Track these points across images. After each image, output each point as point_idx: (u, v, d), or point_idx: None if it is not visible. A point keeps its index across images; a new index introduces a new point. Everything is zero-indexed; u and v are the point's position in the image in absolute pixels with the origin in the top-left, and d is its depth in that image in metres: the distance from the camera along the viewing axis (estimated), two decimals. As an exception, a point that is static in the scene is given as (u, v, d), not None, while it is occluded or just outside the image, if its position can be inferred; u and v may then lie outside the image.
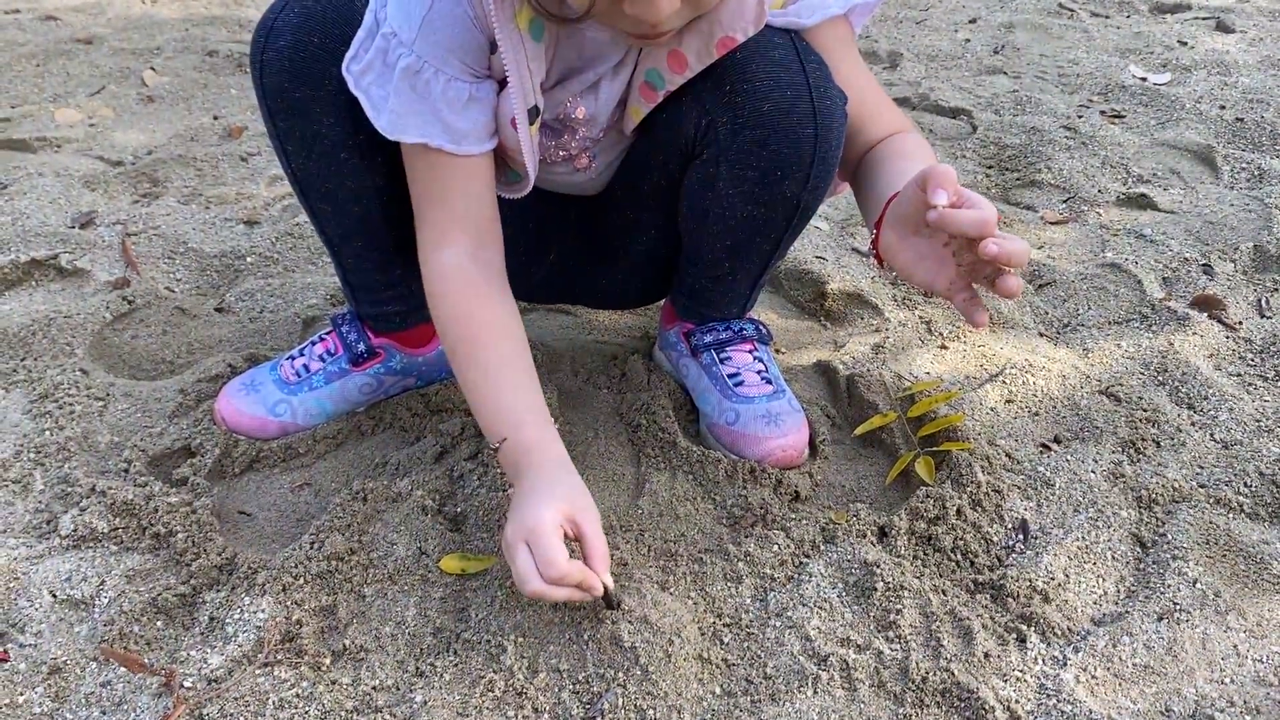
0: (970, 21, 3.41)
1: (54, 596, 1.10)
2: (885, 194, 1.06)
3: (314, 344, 1.40)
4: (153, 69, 2.82)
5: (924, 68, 2.95)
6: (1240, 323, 1.66)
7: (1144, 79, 2.79)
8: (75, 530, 1.18)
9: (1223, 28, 3.27)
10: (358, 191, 1.21)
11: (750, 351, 1.43)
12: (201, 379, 1.46)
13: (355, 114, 1.11)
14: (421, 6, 1.03)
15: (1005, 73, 2.91)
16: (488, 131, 1.11)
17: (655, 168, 1.24)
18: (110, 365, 1.53)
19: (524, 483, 1.06)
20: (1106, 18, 3.44)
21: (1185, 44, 3.09)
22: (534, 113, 1.10)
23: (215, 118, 2.52)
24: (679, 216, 1.28)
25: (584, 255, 1.41)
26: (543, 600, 1.01)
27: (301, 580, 1.11)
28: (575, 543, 1.04)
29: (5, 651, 1.03)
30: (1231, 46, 3.06)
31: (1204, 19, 3.37)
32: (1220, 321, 1.67)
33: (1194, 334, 1.62)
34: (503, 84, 1.09)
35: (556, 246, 1.39)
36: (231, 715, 0.97)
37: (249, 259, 1.85)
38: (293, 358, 1.39)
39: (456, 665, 1.04)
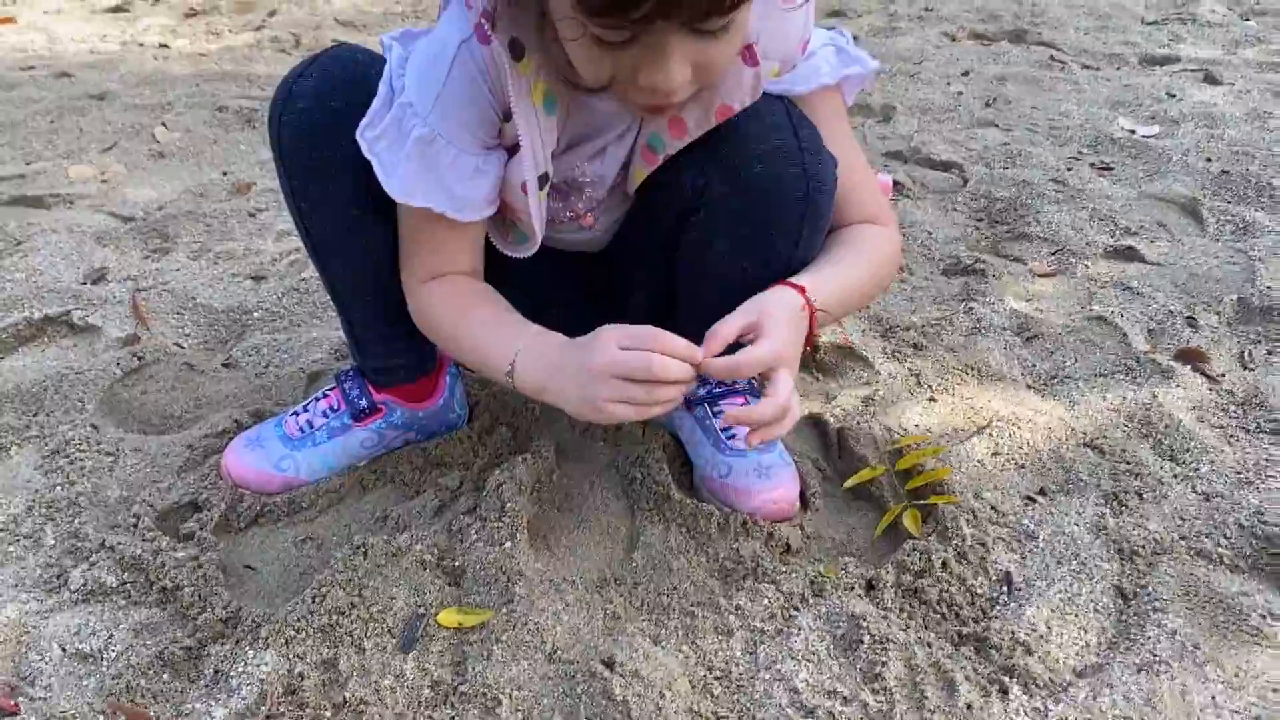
0: (963, 74, 3.48)
1: (63, 650, 1.14)
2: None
3: (317, 400, 1.45)
4: (164, 125, 2.89)
5: (917, 120, 3.02)
6: (1223, 375, 1.70)
7: (1133, 131, 2.85)
8: (85, 585, 1.22)
9: (1210, 79, 3.33)
10: (367, 247, 1.27)
11: (743, 405, 1.47)
12: (209, 434, 1.50)
13: (367, 175, 1.16)
14: (438, 81, 1.09)
15: (997, 125, 2.97)
16: (489, 201, 1.17)
17: (654, 226, 1.29)
18: (120, 421, 1.57)
19: (557, 366, 1.12)
20: (1097, 70, 3.51)
21: (1173, 96, 3.16)
22: (544, 179, 1.16)
23: (224, 173, 2.59)
24: (677, 271, 1.33)
25: (586, 310, 1.45)
26: (646, 376, 1.04)
27: (303, 634, 1.14)
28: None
29: (16, 704, 1.07)
30: (1219, 99, 3.12)
31: (1192, 71, 3.44)
32: (1203, 374, 1.70)
33: (1177, 386, 1.66)
34: (512, 150, 1.15)
35: (559, 302, 1.44)
36: (235, 768, 1.00)
37: (256, 314, 1.90)
38: (297, 413, 1.43)
39: (453, 718, 1.07)
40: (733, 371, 1.08)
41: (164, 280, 1.98)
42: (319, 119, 1.17)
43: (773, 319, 1.11)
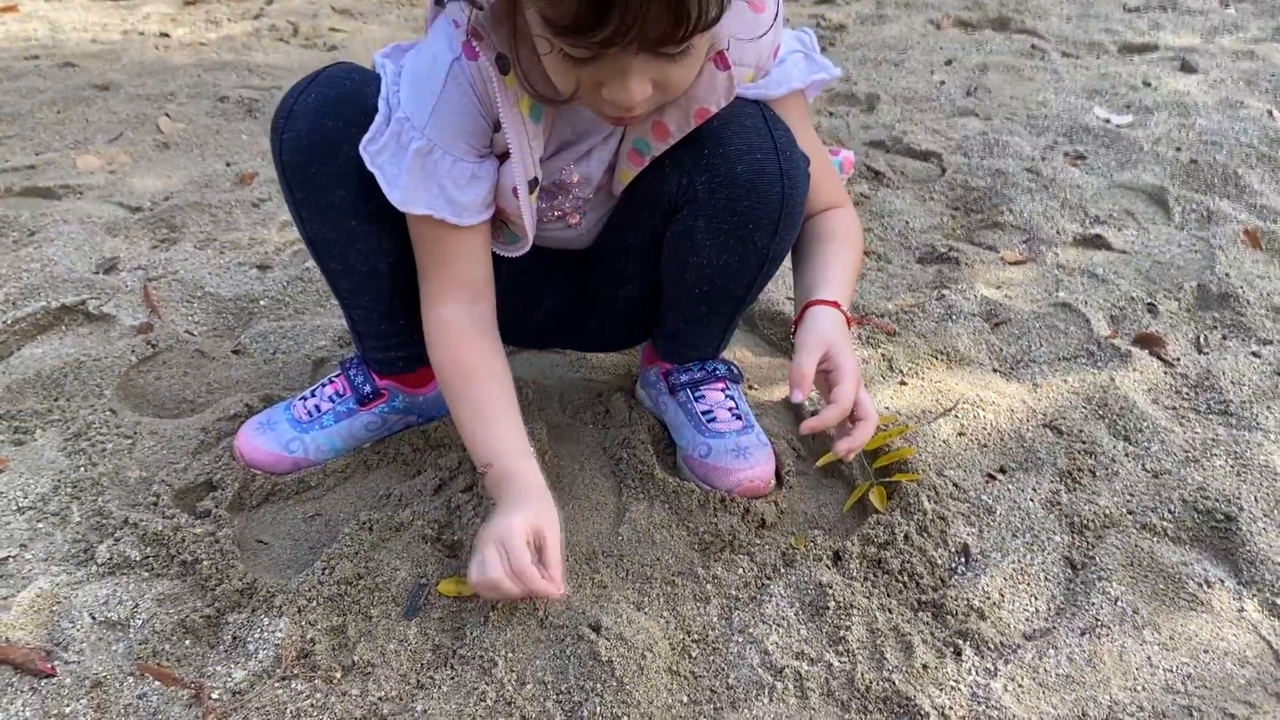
0: (946, 63, 3.56)
1: (93, 619, 1.23)
2: (806, 293, 1.34)
3: (324, 386, 1.54)
4: (167, 115, 2.96)
5: (900, 110, 3.10)
6: (1178, 359, 1.80)
7: (1108, 120, 2.94)
8: (110, 558, 1.32)
9: (1187, 68, 3.41)
10: (366, 254, 1.35)
11: (723, 390, 1.57)
12: (221, 418, 1.59)
13: (365, 187, 1.26)
14: (432, 96, 1.18)
15: (977, 114, 3.05)
16: (486, 204, 1.26)
17: (640, 224, 1.39)
18: (136, 405, 1.67)
19: (502, 499, 1.23)
20: (1077, 58, 3.59)
21: (1149, 85, 3.24)
22: (533, 183, 1.26)
23: (228, 164, 2.67)
24: (661, 266, 1.42)
25: (575, 305, 1.55)
26: (495, 590, 1.14)
27: (314, 603, 1.24)
28: (536, 552, 1.18)
29: (53, 668, 1.16)
30: (1193, 87, 3.21)
31: (1169, 59, 3.52)
32: (1160, 358, 1.80)
33: (1134, 370, 1.76)
34: (503, 157, 1.24)
35: (550, 298, 1.53)
36: (255, 722, 1.11)
37: (262, 302, 1.99)
38: (305, 398, 1.53)
39: (453, 678, 1.17)
40: (840, 418, 1.26)
41: (173, 270, 2.07)
42: (318, 137, 1.26)
43: (837, 346, 1.27)
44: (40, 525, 1.39)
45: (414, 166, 1.20)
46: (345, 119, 1.25)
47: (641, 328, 1.62)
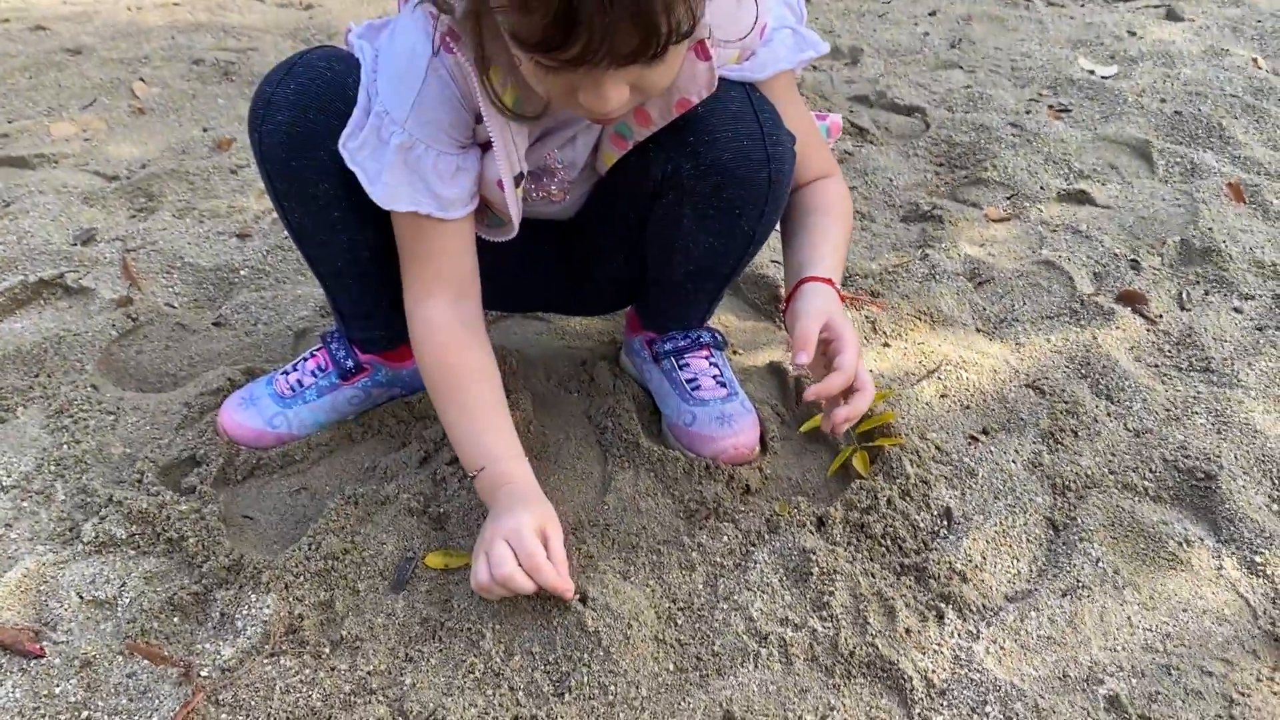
0: (930, 14, 3.52)
1: (81, 597, 1.24)
2: (798, 269, 1.33)
3: (306, 360, 1.53)
4: (141, 80, 2.92)
5: (883, 63, 3.07)
6: (1160, 316, 1.81)
7: (1092, 72, 2.92)
8: (96, 537, 1.32)
9: (1172, 16, 3.39)
10: (350, 243, 1.35)
11: (707, 358, 1.57)
12: (204, 392, 1.59)
13: (348, 178, 1.24)
14: (412, 89, 1.15)
15: (961, 67, 3.03)
16: (471, 195, 1.25)
17: (624, 204, 1.38)
18: (118, 380, 1.66)
19: (501, 501, 1.22)
20: (1061, 6, 3.56)
21: (1134, 34, 3.22)
22: (519, 178, 1.24)
23: (205, 129, 2.64)
24: (647, 245, 1.41)
25: (559, 272, 1.54)
26: (507, 584, 1.15)
27: (302, 578, 1.25)
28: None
29: (41, 648, 1.17)
30: (1178, 36, 3.18)
31: (1155, 7, 3.50)
32: (1142, 315, 1.81)
33: (1117, 328, 1.76)
34: (486, 146, 1.22)
35: (534, 267, 1.52)
36: (244, 700, 1.11)
37: (242, 272, 1.98)
38: (287, 373, 1.52)
39: (441, 651, 1.18)
40: (844, 385, 1.23)
41: (151, 240, 2.05)
42: (298, 128, 1.24)
43: (837, 317, 1.26)
44: (24, 504, 1.39)
45: (396, 162, 1.18)
46: (326, 110, 1.23)
47: (626, 294, 1.61)
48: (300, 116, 1.23)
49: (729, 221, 1.31)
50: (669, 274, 1.42)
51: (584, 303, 1.65)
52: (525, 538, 1.16)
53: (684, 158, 1.27)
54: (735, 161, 1.25)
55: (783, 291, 1.88)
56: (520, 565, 1.15)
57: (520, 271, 1.51)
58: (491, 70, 1.13)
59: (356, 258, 1.36)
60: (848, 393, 1.26)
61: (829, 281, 1.31)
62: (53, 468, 1.44)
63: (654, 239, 1.38)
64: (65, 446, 1.48)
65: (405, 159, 1.18)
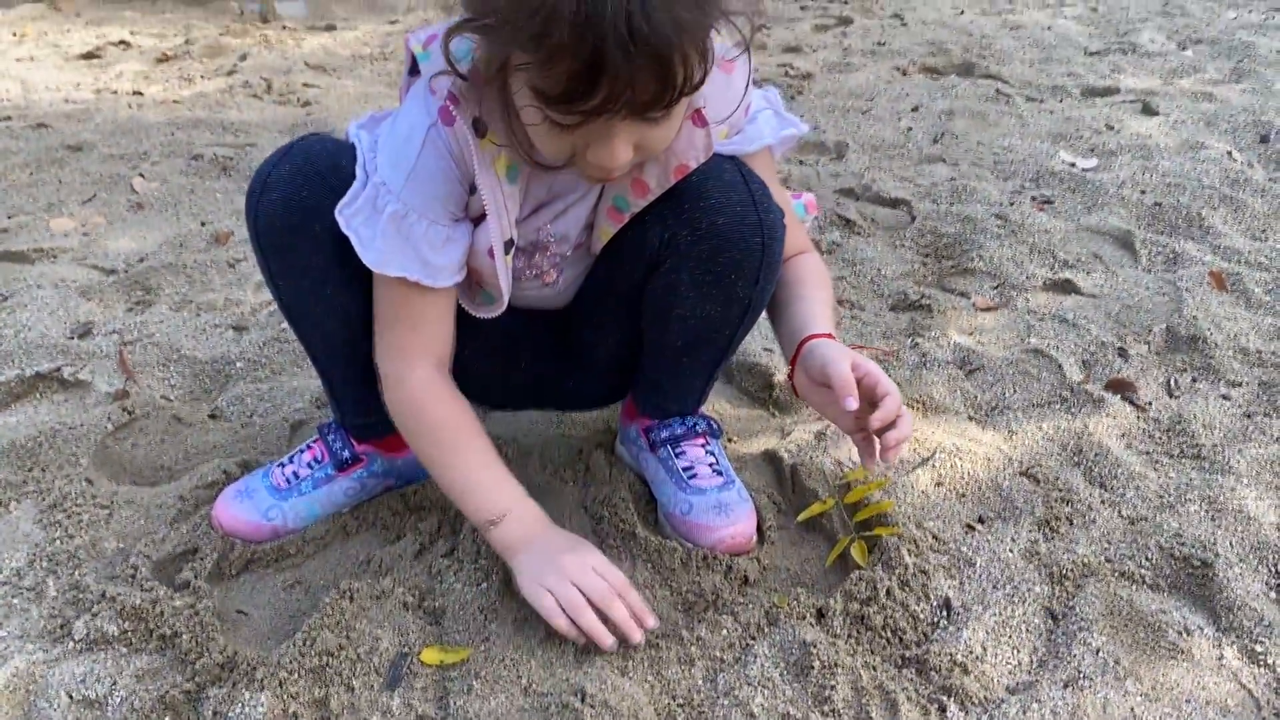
0: (913, 110, 3.62)
1: (70, 697, 1.22)
2: (798, 332, 1.34)
3: (302, 452, 1.54)
4: (141, 175, 2.97)
5: (868, 158, 3.15)
6: (1150, 403, 1.83)
7: (1073, 164, 2.99)
8: (88, 634, 1.30)
9: (1148, 110, 3.49)
10: (343, 322, 1.36)
11: (703, 445, 1.58)
12: (199, 485, 1.58)
13: (341, 256, 1.27)
14: (408, 161, 1.20)
15: (944, 160, 3.10)
16: (459, 267, 1.27)
17: (620, 279, 1.40)
18: (113, 474, 1.66)
19: (538, 543, 1.30)
20: (1041, 102, 3.66)
21: (1112, 128, 3.30)
22: (509, 244, 1.27)
23: (203, 224, 2.67)
24: (644, 319, 1.43)
25: (552, 364, 1.56)
26: (605, 602, 1.26)
27: (296, 675, 1.23)
28: None
29: (29, 750, 1.15)
30: (1155, 130, 3.27)
31: (1130, 102, 3.60)
32: (1132, 403, 1.83)
33: (1107, 415, 1.78)
34: (478, 220, 1.25)
35: (527, 357, 1.54)
36: (237, 802, 1.09)
37: (239, 364, 1.99)
38: (283, 465, 1.52)
39: (438, 749, 1.16)
40: (899, 407, 1.23)
41: (148, 333, 2.07)
42: (293, 206, 1.27)
43: (857, 359, 1.25)
44: (15, 601, 1.37)
45: (389, 230, 1.21)
46: (320, 189, 1.27)
47: (621, 384, 1.62)
48: (295, 193, 1.27)
49: (726, 287, 1.34)
50: (666, 346, 1.44)
51: (578, 395, 1.65)
52: (611, 568, 1.29)
53: (680, 225, 1.30)
54: (730, 226, 1.29)
55: (777, 378, 1.90)
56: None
57: (510, 364, 1.53)
58: (485, 140, 1.17)
59: (351, 337, 1.38)
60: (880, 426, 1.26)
61: (831, 336, 1.33)
62: (45, 563, 1.43)
63: (651, 309, 1.40)
64: (58, 541, 1.47)
65: (398, 227, 1.21)
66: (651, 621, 1.28)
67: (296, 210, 1.27)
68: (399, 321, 1.31)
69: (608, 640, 1.25)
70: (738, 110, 1.31)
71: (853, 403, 1.19)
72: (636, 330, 1.46)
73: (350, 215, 1.23)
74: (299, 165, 1.28)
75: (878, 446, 1.25)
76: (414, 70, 1.23)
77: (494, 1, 0.98)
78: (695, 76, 0.99)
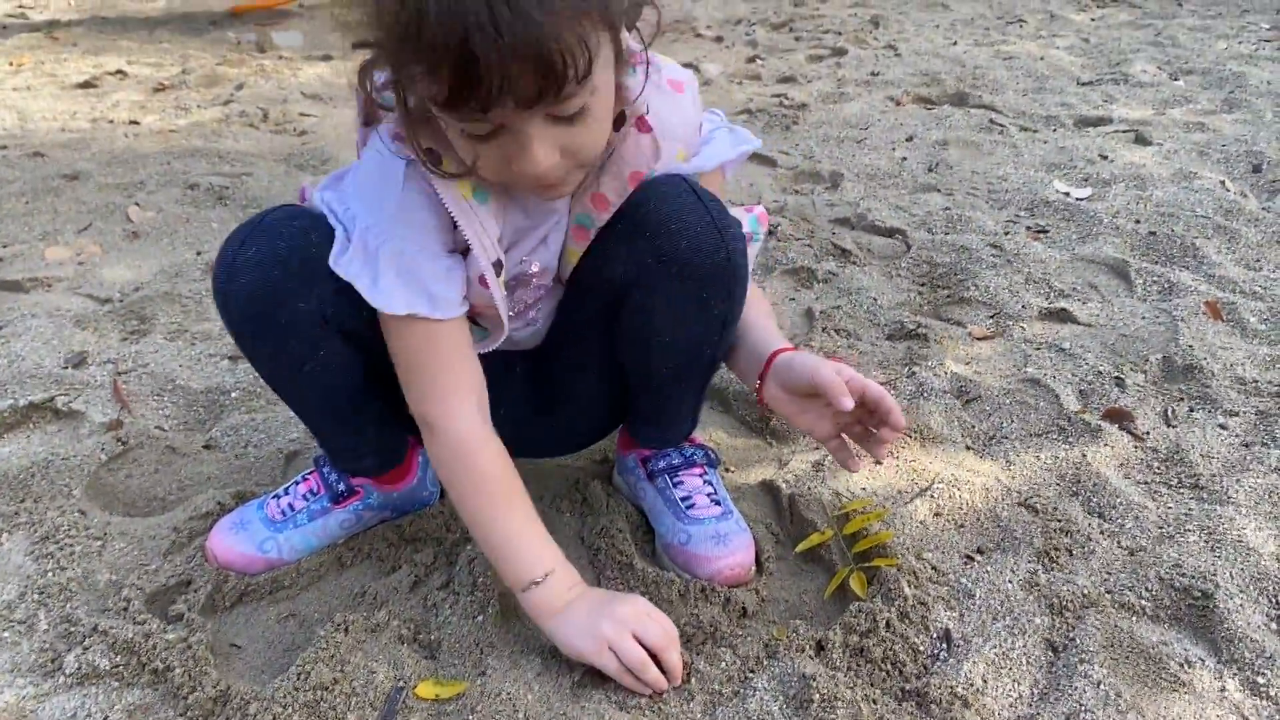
0: (907, 139, 3.63)
1: (61, 733, 1.20)
2: (760, 349, 1.39)
3: (297, 484, 1.53)
4: (137, 204, 2.97)
5: (863, 187, 3.16)
6: (1148, 433, 1.82)
7: (1067, 194, 3.00)
8: (79, 668, 1.29)
9: (1141, 140, 3.51)
10: (326, 392, 1.37)
11: (700, 475, 1.57)
12: (193, 516, 1.57)
13: (316, 333, 1.28)
14: (391, 199, 1.19)
15: (939, 190, 3.11)
16: (462, 296, 1.27)
17: (590, 313, 1.40)
18: (106, 504, 1.64)
19: (586, 601, 1.28)
20: (1035, 132, 3.68)
21: (1106, 157, 3.32)
22: (498, 266, 1.26)
23: (198, 253, 2.67)
24: (624, 351, 1.43)
25: (532, 409, 1.54)
26: (666, 648, 1.26)
27: (290, 709, 1.21)
28: None
29: (18, 787, 1.13)
30: (1148, 160, 3.29)
31: (1124, 132, 3.62)
32: (1130, 432, 1.82)
33: (1106, 445, 1.78)
34: (466, 252, 1.25)
35: (505, 405, 1.52)
36: (229, 840, 1.07)
37: (234, 394, 1.98)
38: (278, 496, 1.51)
39: (433, 786, 1.14)
40: (885, 396, 1.28)
41: (143, 362, 2.06)
42: (263, 290, 1.25)
43: (833, 363, 1.29)
44: (5, 634, 1.36)
45: (387, 269, 1.20)
46: (288, 268, 1.25)
47: (603, 422, 1.62)
48: (263, 278, 1.25)
49: (701, 308, 1.34)
50: (651, 374, 1.43)
51: (561, 440, 1.64)
52: (663, 619, 1.28)
53: (645, 255, 1.29)
54: (694, 250, 1.28)
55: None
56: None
57: (495, 406, 1.52)
58: (444, 166, 1.16)
59: (335, 404, 1.38)
60: (869, 420, 1.32)
61: (793, 348, 1.37)
62: (36, 596, 1.42)
63: (629, 341, 1.40)
64: (50, 574, 1.46)
65: (397, 264, 1.20)
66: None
67: (268, 295, 1.25)
68: (424, 366, 1.28)
69: (664, 688, 1.25)
70: (691, 130, 1.34)
71: (848, 402, 1.23)
72: (611, 364, 1.45)
73: (347, 262, 1.22)
74: (266, 246, 1.26)
75: (853, 450, 1.35)
76: (367, 122, 1.23)
77: (380, 19, 0.99)
78: (580, 63, 0.97)
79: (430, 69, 0.96)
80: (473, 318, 1.33)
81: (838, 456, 1.37)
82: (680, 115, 1.32)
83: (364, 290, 1.21)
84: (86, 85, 4.46)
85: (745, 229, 1.62)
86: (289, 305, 1.25)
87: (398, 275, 1.20)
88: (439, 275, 1.23)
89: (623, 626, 1.24)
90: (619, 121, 1.19)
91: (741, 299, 1.38)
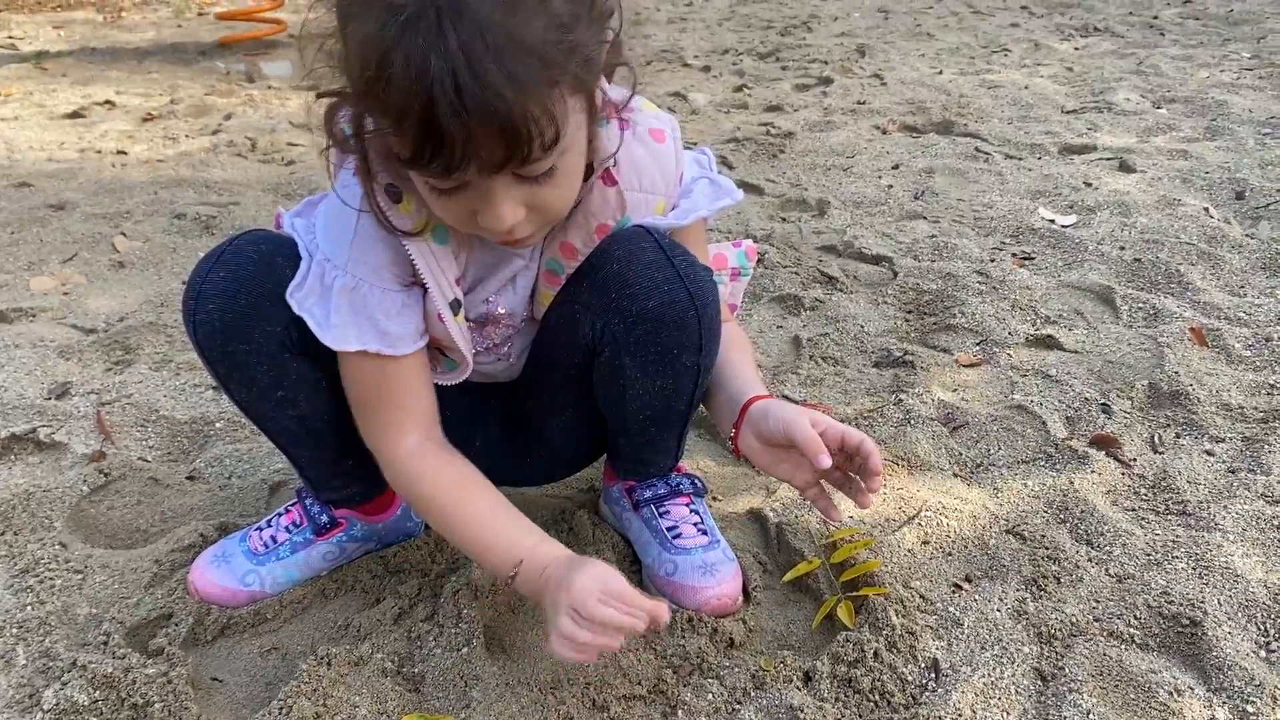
0: (893, 167, 3.66)
1: (38, 770, 1.18)
2: (736, 396, 1.37)
3: (280, 515, 1.51)
4: (123, 234, 2.96)
5: (850, 215, 3.17)
6: (1134, 460, 1.82)
7: (1052, 221, 3.02)
8: (57, 704, 1.26)
9: (1125, 168, 3.53)
10: (298, 419, 1.36)
11: (687, 505, 1.56)
12: (175, 549, 1.55)
13: (287, 357, 1.28)
14: (348, 232, 1.19)
15: (925, 217, 3.13)
16: (419, 332, 1.27)
17: (563, 360, 1.40)
18: (88, 536, 1.63)
19: (557, 575, 1.17)
20: (1020, 159, 3.70)
21: (1090, 185, 3.35)
22: (455, 305, 1.26)
23: (184, 283, 2.65)
24: (599, 401, 1.43)
25: (509, 439, 1.54)
26: (612, 624, 1.11)
27: (271, 745, 1.20)
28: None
29: (-7, 827, 1.11)
30: (1132, 187, 3.31)
31: (1108, 159, 3.65)
32: (1117, 459, 1.82)
33: (1093, 472, 1.77)
34: (425, 286, 1.25)
35: (482, 435, 1.52)
36: None
37: (217, 424, 1.97)
38: (260, 529, 1.50)
39: (416, 822, 1.13)
40: (864, 440, 1.25)
41: (127, 393, 2.05)
42: (231, 317, 1.25)
43: (809, 414, 1.27)
44: (-17, 670, 1.34)
45: (341, 304, 1.20)
46: (256, 293, 1.25)
47: (582, 454, 1.62)
48: (230, 304, 1.25)
49: (671, 363, 1.33)
50: (629, 422, 1.43)
51: (539, 468, 1.63)
52: (614, 578, 1.14)
53: (611, 314, 1.29)
54: (661, 307, 1.28)
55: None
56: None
57: (468, 442, 1.50)
58: (403, 205, 1.16)
59: (310, 429, 1.38)
60: (848, 465, 1.30)
61: (770, 397, 1.35)
62: (14, 630, 1.40)
63: (603, 395, 1.40)
64: (29, 608, 1.44)
65: (350, 300, 1.20)
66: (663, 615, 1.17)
67: (235, 320, 1.25)
68: (374, 400, 1.28)
69: (616, 645, 1.16)
70: (672, 182, 1.34)
71: (826, 460, 1.21)
72: (588, 403, 1.45)
73: (302, 298, 1.22)
74: (232, 272, 1.26)
75: (832, 499, 1.34)
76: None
77: (348, 72, 0.99)
78: (546, 133, 0.97)
79: (396, 128, 0.95)
80: (441, 349, 1.32)
81: (818, 505, 1.35)
82: (660, 166, 1.32)
83: (314, 327, 1.21)
84: (75, 115, 4.46)
85: (732, 264, 1.63)
86: (256, 330, 1.25)
87: (351, 311, 1.21)
88: (393, 312, 1.23)
89: (576, 616, 1.13)
90: (587, 173, 1.19)
91: (713, 349, 1.37)
